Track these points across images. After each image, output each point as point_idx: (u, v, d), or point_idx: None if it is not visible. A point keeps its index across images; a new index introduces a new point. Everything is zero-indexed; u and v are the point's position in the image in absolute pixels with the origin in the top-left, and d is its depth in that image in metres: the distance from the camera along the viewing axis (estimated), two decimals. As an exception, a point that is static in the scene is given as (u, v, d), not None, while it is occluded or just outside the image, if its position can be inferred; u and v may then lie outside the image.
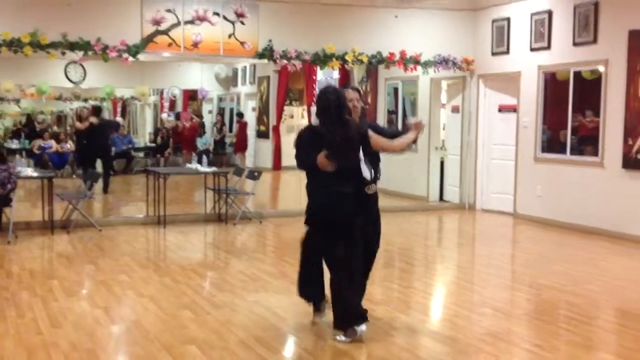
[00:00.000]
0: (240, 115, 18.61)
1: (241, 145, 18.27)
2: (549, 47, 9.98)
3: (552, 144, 10.21)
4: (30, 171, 10.36)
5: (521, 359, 4.60)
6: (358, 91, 5.32)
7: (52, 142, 16.97)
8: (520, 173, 10.62)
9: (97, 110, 13.48)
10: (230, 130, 19.54)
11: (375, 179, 4.98)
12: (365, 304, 4.98)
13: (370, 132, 4.92)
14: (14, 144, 19.56)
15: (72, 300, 5.92)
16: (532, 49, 10.27)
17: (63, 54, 9.21)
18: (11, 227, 8.48)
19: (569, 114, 9.73)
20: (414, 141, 5.16)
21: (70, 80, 16.33)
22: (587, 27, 9.36)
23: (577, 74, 9.64)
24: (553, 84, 10.15)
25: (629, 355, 4.67)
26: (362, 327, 4.77)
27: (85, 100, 22.11)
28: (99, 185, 11.76)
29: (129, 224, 9.85)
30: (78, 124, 13.24)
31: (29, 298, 5.89)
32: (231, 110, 20.21)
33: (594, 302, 6.07)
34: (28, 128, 22.23)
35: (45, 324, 5.17)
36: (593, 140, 9.41)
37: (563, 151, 9.87)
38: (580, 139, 9.78)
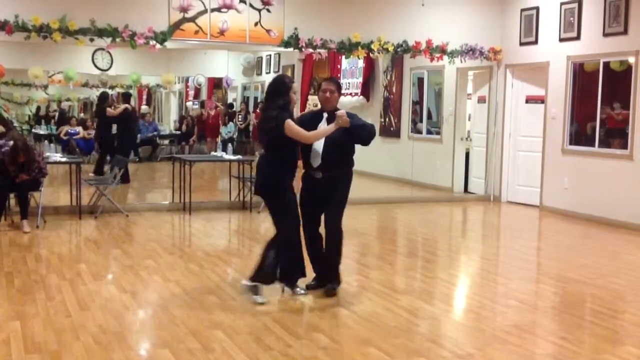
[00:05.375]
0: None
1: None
2: (578, 37, 9.86)
3: (579, 136, 10.10)
4: (58, 157, 10.49)
5: (546, 351, 4.58)
6: (336, 84, 5.76)
7: (79, 129, 17.17)
8: (547, 165, 10.52)
9: (127, 97, 13.53)
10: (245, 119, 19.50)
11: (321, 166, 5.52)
12: (387, 292, 5.14)
13: (288, 122, 5.32)
14: (42, 130, 19.81)
15: (99, 284, 6.00)
16: (561, 39, 10.14)
17: (91, 40, 9.27)
18: (40, 211, 8.61)
19: (597, 106, 9.61)
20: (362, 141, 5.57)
21: (98, 67, 16.44)
22: (617, 17, 9.22)
23: (606, 65, 9.51)
24: (581, 75, 10.03)
25: (656, 349, 4.63)
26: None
27: (112, 87, 22.26)
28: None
29: (154, 210, 9.95)
30: (110, 110, 12.94)
31: (57, 281, 5.98)
32: (255, 99, 20.24)
33: (621, 295, 6.02)
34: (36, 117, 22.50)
35: (74, 306, 5.26)
36: (621, 133, 9.30)
37: (591, 144, 9.76)
38: (608, 132, 9.66)
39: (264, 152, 5.52)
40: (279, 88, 5.45)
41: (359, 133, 5.51)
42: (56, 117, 20.64)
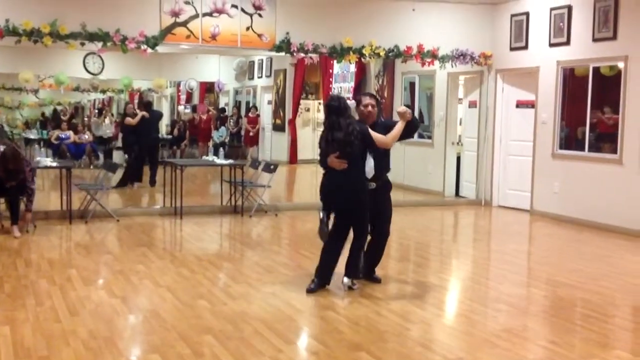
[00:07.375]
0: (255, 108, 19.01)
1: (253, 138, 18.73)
2: (568, 42, 9.91)
3: (569, 140, 10.15)
4: (49, 161, 10.46)
5: (536, 355, 4.59)
6: (375, 98, 6.12)
7: (70, 133, 17.10)
8: (538, 169, 10.56)
9: (147, 105, 13.50)
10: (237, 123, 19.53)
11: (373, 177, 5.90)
12: (378, 296, 5.59)
13: (370, 131, 5.71)
14: (32, 134, 19.73)
15: (90, 289, 5.98)
16: (551, 44, 10.19)
17: (82, 44, 9.26)
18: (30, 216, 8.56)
19: (587, 111, 9.66)
20: (412, 132, 6.02)
21: (89, 72, 16.43)
22: (607, 22, 9.28)
23: (596, 70, 9.57)
24: (571, 80, 10.08)
25: (645, 353, 4.65)
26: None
27: (103, 91, 22.20)
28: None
29: (146, 214, 9.93)
30: (129, 120, 12.94)
31: (47, 286, 5.96)
32: (247, 103, 20.26)
33: (610, 299, 6.04)
34: (55, 122, 22.35)
35: (64, 312, 5.24)
36: (612, 138, 9.35)
37: (581, 148, 9.81)
38: (598, 136, 9.71)
39: (348, 165, 5.66)
40: (344, 104, 5.74)
41: (417, 124, 6.12)
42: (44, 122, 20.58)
